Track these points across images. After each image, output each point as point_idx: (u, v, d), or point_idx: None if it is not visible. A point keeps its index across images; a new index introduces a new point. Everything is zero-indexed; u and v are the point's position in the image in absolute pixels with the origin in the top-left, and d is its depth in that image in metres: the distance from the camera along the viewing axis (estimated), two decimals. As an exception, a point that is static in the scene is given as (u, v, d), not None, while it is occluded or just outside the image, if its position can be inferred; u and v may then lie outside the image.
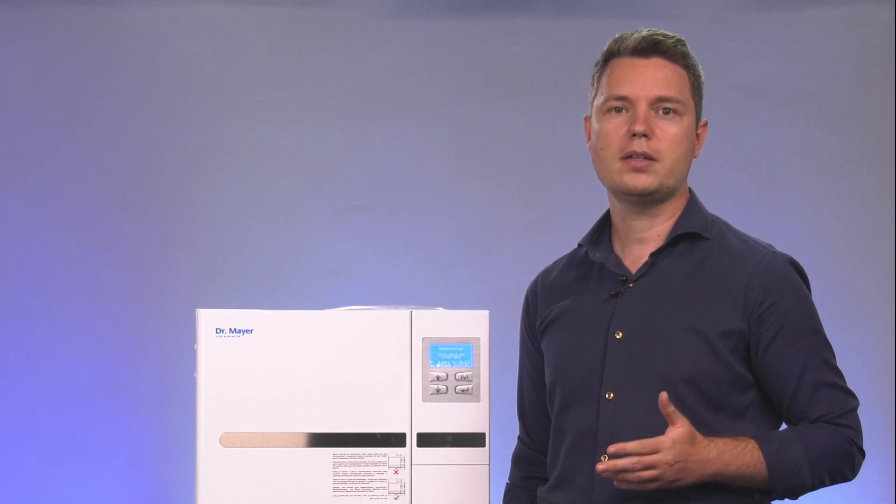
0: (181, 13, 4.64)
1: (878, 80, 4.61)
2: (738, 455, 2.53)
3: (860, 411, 2.65)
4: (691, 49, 2.70)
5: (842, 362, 2.68)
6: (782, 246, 2.73)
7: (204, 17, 4.65)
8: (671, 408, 2.48)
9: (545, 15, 4.65)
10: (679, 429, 2.48)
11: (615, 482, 2.50)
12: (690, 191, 2.72)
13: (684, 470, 2.48)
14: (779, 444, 2.55)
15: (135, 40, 4.64)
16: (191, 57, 4.65)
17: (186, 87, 4.63)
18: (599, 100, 2.67)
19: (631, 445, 2.47)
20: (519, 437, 2.90)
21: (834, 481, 2.59)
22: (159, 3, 4.63)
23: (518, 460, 2.89)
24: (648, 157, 2.61)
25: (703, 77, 2.70)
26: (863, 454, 2.62)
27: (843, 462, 2.58)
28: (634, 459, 2.47)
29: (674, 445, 2.47)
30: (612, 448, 2.48)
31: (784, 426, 2.66)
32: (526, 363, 2.85)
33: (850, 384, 2.67)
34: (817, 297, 2.72)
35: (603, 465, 2.49)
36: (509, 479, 2.90)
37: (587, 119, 2.73)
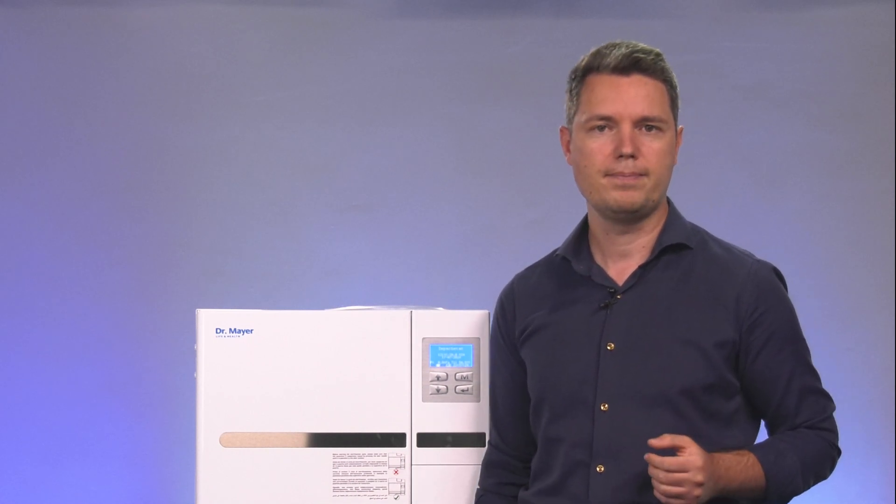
0: (181, 13, 4.64)
1: (878, 80, 4.61)
2: (741, 471, 2.59)
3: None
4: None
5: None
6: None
7: (204, 17, 4.65)
8: (667, 440, 2.52)
9: (545, 15, 4.65)
10: (696, 452, 2.52)
11: (656, 494, 2.55)
12: (669, 202, 2.75)
13: (706, 486, 2.53)
14: (775, 455, 2.62)
15: (135, 40, 4.63)
16: (191, 57, 4.65)
17: (186, 87, 4.63)
18: (581, 117, 2.69)
19: (666, 460, 2.51)
20: (490, 443, 2.88)
21: (816, 482, 2.68)
22: (159, 3, 4.63)
23: (491, 466, 2.87)
24: (635, 175, 2.64)
25: (678, 88, 2.72)
26: (839, 453, 2.71)
27: (826, 464, 2.68)
28: (662, 475, 2.51)
29: (703, 463, 2.51)
30: (647, 455, 2.52)
31: (763, 427, 2.74)
32: (502, 369, 2.84)
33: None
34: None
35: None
36: (480, 484, 2.89)
37: (564, 130, 2.75)
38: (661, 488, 2.51)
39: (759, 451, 2.62)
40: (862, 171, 4.62)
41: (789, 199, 4.61)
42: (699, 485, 2.50)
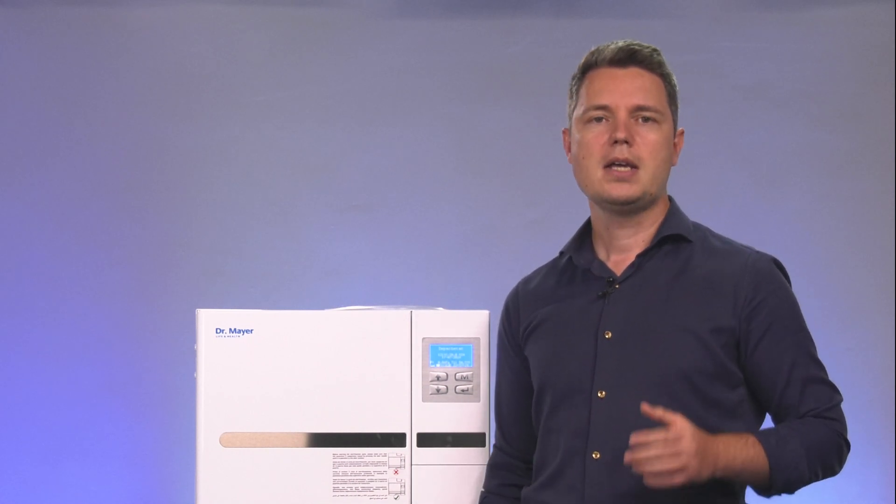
0: (181, 13, 4.64)
1: (878, 80, 4.61)
2: (741, 448, 2.54)
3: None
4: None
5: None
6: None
7: (204, 17, 4.65)
8: (659, 412, 2.49)
9: (545, 15, 4.65)
10: (686, 425, 2.47)
11: (646, 479, 2.47)
12: (671, 199, 2.76)
13: (704, 461, 2.48)
14: (776, 438, 2.58)
15: (135, 40, 4.63)
16: (191, 57, 4.65)
17: (186, 87, 4.63)
18: (579, 110, 2.72)
19: (655, 435, 2.45)
20: (495, 445, 2.89)
21: (825, 475, 2.62)
22: (159, 3, 4.63)
23: (495, 468, 2.88)
24: (630, 164, 2.65)
25: (678, 87, 2.73)
26: (848, 446, 2.65)
27: (833, 455, 2.62)
28: (660, 449, 2.45)
29: (693, 435, 2.46)
30: (633, 438, 2.46)
31: (768, 420, 2.69)
32: (506, 371, 2.84)
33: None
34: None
35: (630, 455, 2.46)
36: (485, 486, 2.89)
37: (566, 132, 2.77)
38: (651, 467, 2.45)
39: (760, 435, 2.58)
40: (862, 171, 4.62)
41: (789, 199, 4.61)
42: (692, 455, 2.45)
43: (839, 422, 2.63)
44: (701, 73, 4.53)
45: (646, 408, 2.49)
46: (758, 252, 2.69)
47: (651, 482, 2.47)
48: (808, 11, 4.64)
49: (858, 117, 4.62)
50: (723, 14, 4.64)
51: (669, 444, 2.45)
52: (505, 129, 4.63)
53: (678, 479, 2.47)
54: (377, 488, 2.87)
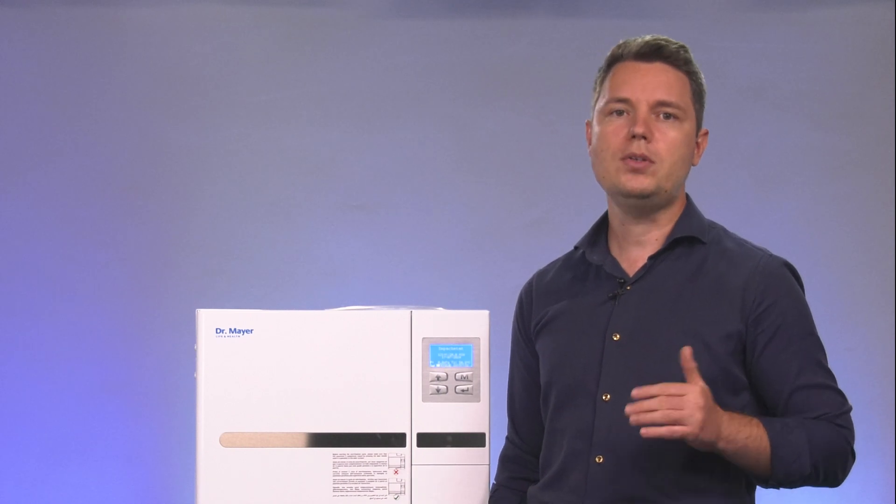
0: (181, 13, 4.64)
1: (878, 80, 4.62)
2: (745, 424, 2.51)
3: (859, 411, 2.65)
4: (694, 52, 2.70)
5: (842, 362, 2.67)
6: (782, 247, 2.72)
7: (204, 17, 4.65)
8: (692, 364, 2.46)
9: (545, 15, 4.66)
10: (701, 382, 2.46)
11: (642, 431, 2.44)
12: (688, 197, 2.74)
13: (707, 421, 2.45)
14: (781, 425, 2.54)
15: (135, 40, 4.64)
16: (191, 57, 4.65)
17: (186, 87, 4.63)
18: (601, 102, 2.69)
19: (657, 388, 2.44)
20: (507, 438, 2.90)
21: (826, 479, 2.58)
22: (159, 3, 4.63)
23: (506, 461, 2.88)
24: (647, 160, 2.62)
25: (705, 85, 2.71)
26: (854, 457, 2.61)
27: (839, 459, 2.58)
28: (661, 399, 2.43)
29: (703, 390, 2.44)
30: (636, 391, 2.44)
31: None
32: (519, 364, 2.84)
33: (850, 384, 2.67)
34: (817, 297, 2.71)
35: (631, 406, 2.44)
36: (496, 479, 2.90)
37: (588, 124, 2.74)
38: (656, 416, 2.42)
39: (765, 419, 2.55)
40: (862, 171, 4.62)
41: (789, 199, 4.61)
42: (698, 407, 2.43)
43: (848, 430, 2.59)
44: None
45: (687, 352, 2.45)
46: (770, 255, 2.66)
47: (646, 433, 2.44)
48: (808, 11, 4.64)
49: (858, 117, 4.62)
50: (723, 14, 4.64)
51: (673, 398, 2.43)
52: (505, 129, 4.64)
53: (678, 431, 2.44)
54: (377, 488, 2.87)
